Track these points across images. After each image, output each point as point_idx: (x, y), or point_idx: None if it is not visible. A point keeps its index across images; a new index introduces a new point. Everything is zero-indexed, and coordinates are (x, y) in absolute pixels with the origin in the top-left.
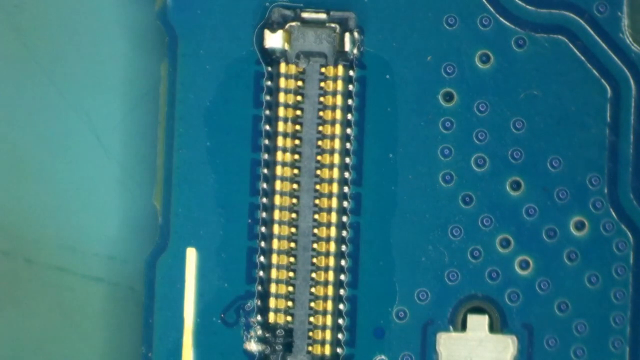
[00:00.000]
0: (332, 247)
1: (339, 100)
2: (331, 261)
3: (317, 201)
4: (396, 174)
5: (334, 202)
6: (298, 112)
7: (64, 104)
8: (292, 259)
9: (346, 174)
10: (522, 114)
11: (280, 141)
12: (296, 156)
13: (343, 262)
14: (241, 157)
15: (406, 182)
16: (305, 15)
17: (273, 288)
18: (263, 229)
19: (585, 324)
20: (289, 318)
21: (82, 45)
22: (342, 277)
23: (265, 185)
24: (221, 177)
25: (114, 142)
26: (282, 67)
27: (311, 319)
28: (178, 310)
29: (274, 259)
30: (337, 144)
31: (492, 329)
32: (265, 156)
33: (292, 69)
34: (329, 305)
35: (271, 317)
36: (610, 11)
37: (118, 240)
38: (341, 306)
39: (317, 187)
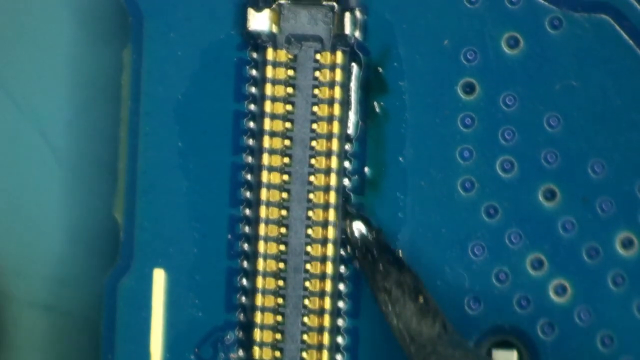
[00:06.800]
0: (329, 268)
1: (337, 92)
2: (327, 285)
3: (310, 213)
4: (406, 181)
5: (331, 215)
6: (288, 107)
7: (6, 100)
8: (280, 283)
9: (345, 181)
10: (557, 109)
11: (266, 141)
12: (286, 159)
13: (342, 287)
14: (220, 161)
15: (418, 190)
16: None
17: (258, 317)
18: (246, 246)
19: None
20: (277, 353)
21: (25, 30)
22: (341, 304)
23: (248, 194)
24: (196, 184)
25: (65, 145)
26: (270, 54)
27: (304, 354)
28: (143, 343)
29: (259, 282)
30: (334, 144)
31: None
32: (249, 159)
33: (282, 55)
34: (325, 338)
35: (256, 352)
36: None
37: (70, 261)
38: (339, 339)
39: (311, 196)
